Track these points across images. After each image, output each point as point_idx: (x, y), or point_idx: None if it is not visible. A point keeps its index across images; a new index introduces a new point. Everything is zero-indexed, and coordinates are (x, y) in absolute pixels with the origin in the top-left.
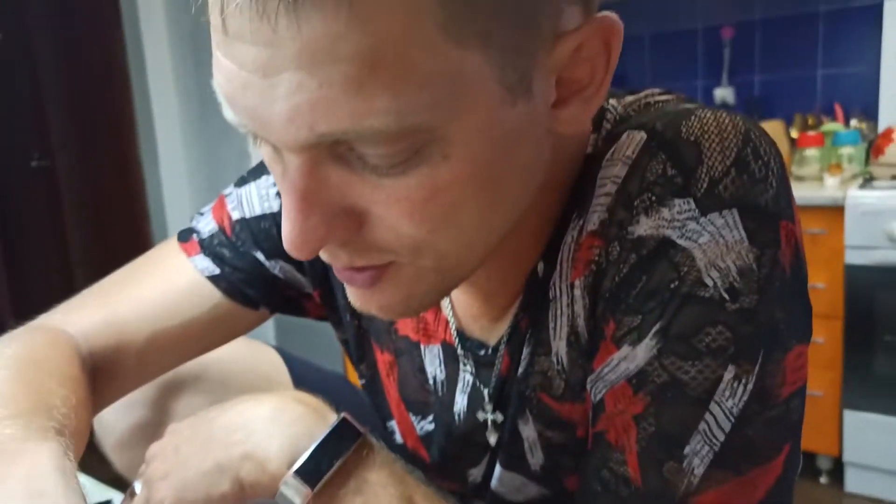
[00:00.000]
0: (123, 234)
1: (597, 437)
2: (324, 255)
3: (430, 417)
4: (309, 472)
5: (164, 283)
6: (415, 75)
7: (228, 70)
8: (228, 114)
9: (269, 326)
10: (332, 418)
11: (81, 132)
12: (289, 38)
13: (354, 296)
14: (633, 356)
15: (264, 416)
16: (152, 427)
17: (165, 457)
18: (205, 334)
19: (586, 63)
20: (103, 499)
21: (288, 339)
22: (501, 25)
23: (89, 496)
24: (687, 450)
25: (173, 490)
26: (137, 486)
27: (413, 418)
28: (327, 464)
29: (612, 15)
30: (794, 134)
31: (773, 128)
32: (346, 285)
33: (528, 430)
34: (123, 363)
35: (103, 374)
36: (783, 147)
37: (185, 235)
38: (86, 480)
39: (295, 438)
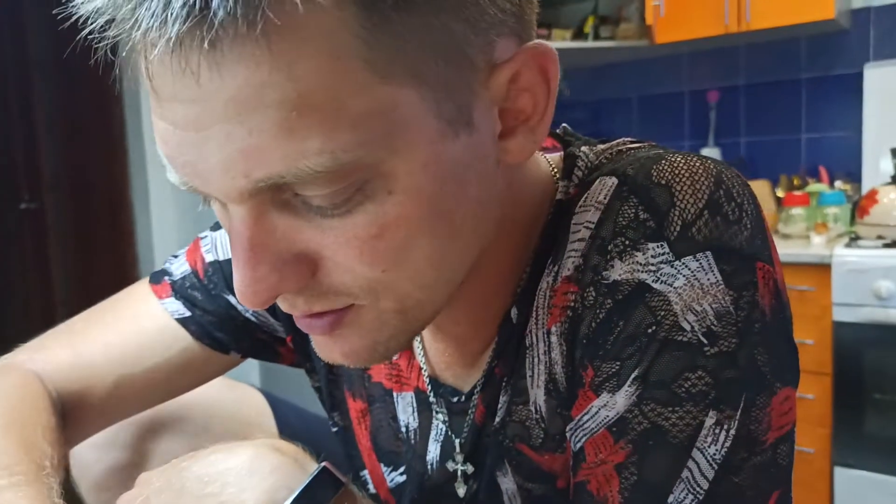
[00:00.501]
0: (110, 276)
1: (578, 488)
2: (282, 304)
3: (402, 469)
4: None
5: (132, 325)
6: (345, 115)
7: (164, 131)
8: (172, 175)
9: (253, 366)
10: (312, 467)
11: (73, 173)
12: (213, 91)
13: (318, 345)
14: (613, 403)
15: (240, 466)
16: (130, 469)
17: None
18: (173, 379)
19: (526, 93)
20: None
21: (272, 380)
22: (430, 61)
23: None
24: (671, 499)
25: None
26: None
27: (384, 469)
28: None
29: (542, 42)
30: (780, 193)
31: (759, 187)
32: (310, 335)
33: (508, 483)
34: (89, 406)
35: (69, 415)
36: (769, 206)
37: (156, 277)
38: None
39: (272, 491)
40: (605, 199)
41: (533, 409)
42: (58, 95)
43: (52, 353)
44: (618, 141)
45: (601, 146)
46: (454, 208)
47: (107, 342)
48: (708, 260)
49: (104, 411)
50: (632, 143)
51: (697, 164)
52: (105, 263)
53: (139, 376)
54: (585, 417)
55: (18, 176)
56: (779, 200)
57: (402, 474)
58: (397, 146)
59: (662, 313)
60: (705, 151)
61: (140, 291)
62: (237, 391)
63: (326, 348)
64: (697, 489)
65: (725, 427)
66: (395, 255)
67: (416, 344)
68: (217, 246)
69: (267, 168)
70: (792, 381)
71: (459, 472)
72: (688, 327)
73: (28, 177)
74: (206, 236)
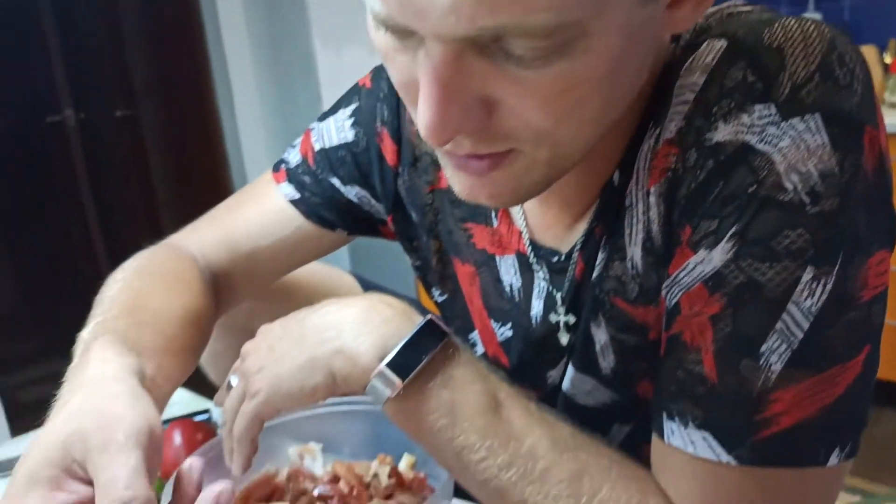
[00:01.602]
0: (204, 175)
1: (671, 340)
2: (447, 145)
3: (509, 324)
4: (398, 367)
5: (259, 207)
6: None
7: None
8: (375, 4)
9: (343, 254)
10: (419, 320)
11: (162, 83)
12: None
13: (464, 184)
14: (710, 259)
15: (354, 316)
16: (243, 341)
17: (260, 353)
18: (293, 252)
19: None
20: (201, 408)
21: (362, 265)
22: None
23: (188, 406)
24: (764, 348)
25: (269, 382)
26: (233, 380)
27: (494, 325)
28: (416, 359)
29: None
30: (888, 59)
31: (865, 52)
32: (455, 175)
33: (601, 334)
34: (234, 275)
35: (221, 284)
36: (876, 73)
37: (277, 166)
38: (184, 392)
39: (384, 337)
40: (712, 61)
41: (629, 265)
42: (142, 8)
43: (202, 234)
44: (727, 4)
45: (710, 9)
46: (626, 72)
47: (242, 221)
48: (816, 122)
49: (245, 281)
50: (742, 6)
51: (811, 28)
52: (198, 164)
53: (267, 249)
54: (682, 274)
55: (113, 86)
56: (886, 67)
57: (509, 329)
58: (605, 8)
59: (764, 173)
60: (805, 16)
61: (264, 180)
62: (333, 274)
63: (474, 190)
64: (792, 338)
65: (822, 282)
66: (571, 110)
67: (517, 209)
68: (323, 135)
69: (494, 17)
70: (888, 245)
71: (562, 323)
72: (790, 187)
73: (121, 86)
74: (314, 127)
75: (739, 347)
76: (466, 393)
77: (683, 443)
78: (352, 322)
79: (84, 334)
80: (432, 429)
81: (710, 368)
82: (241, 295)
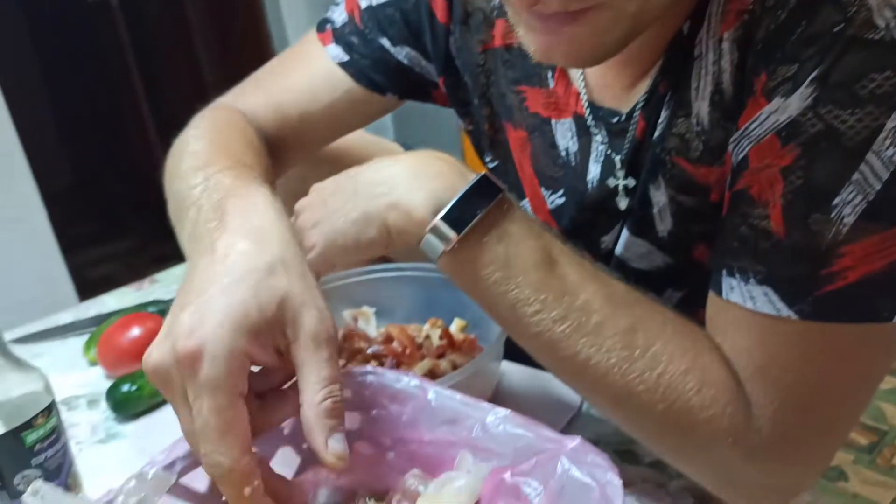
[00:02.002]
0: (248, 53)
1: (736, 196)
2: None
3: (561, 192)
4: (453, 221)
5: (306, 70)
6: None
7: None
8: None
9: (387, 123)
10: (472, 176)
11: None
12: None
13: (539, 43)
14: (785, 107)
15: (407, 171)
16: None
17: (314, 209)
18: (343, 116)
19: None
20: None
21: (406, 134)
22: None
23: None
24: (837, 200)
25: (324, 236)
26: None
27: (545, 193)
28: (470, 214)
29: None
30: None
31: None
32: (529, 34)
33: (659, 196)
34: (285, 139)
35: (271, 148)
36: None
37: (321, 25)
38: None
39: (438, 191)
40: None
41: (694, 121)
42: None
43: (249, 97)
44: None
45: None
46: None
47: (289, 85)
48: None
49: (296, 145)
50: None
51: None
52: (242, 42)
53: (317, 113)
54: (753, 125)
55: None
56: None
57: (561, 196)
58: None
59: (854, 9)
60: None
61: (309, 40)
62: (380, 144)
63: (550, 49)
64: (868, 190)
65: None
66: None
67: (576, 70)
68: None
69: None
70: None
71: (620, 187)
72: (882, 24)
73: None
74: None
75: (811, 200)
76: (521, 248)
77: (742, 298)
78: (405, 176)
79: (197, 191)
80: (486, 282)
81: (778, 223)
82: (290, 160)
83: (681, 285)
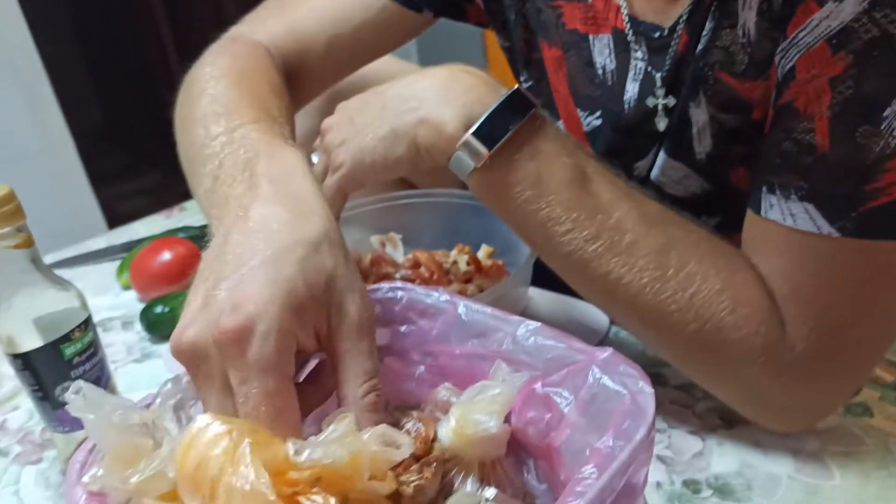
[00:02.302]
0: None
1: (780, 110)
2: None
3: (598, 113)
4: (484, 136)
5: None
6: None
7: None
8: None
9: (411, 49)
10: (504, 90)
11: None
12: None
13: None
14: (838, 12)
15: (437, 85)
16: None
17: (340, 127)
18: (375, 38)
19: None
20: None
21: (429, 61)
22: None
23: None
24: (887, 112)
25: (351, 155)
26: (314, 157)
27: (580, 114)
28: (502, 129)
29: None
30: None
31: None
32: None
33: (700, 114)
34: (308, 68)
35: (292, 80)
36: None
37: None
38: None
39: (468, 106)
40: None
41: (741, 32)
42: None
43: (268, 24)
44: None
45: None
46: None
47: (315, 8)
48: None
49: (320, 74)
50: None
51: None
52: None
53: (347, 37)
54: (802, 33)
55: None
56: None
57: (597, 118)
58: None
59: None
60: None
61: None
62: (405, 68)
63: None
64: None
65: None
66: None
67: None
68: None
69: None
70: None
71: (659, 106)
72: None
73: None
74: None
75: (859, 111)
76: (553, 165)
77: (782, 216)
78: (435, 91)
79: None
80: (517, 201)
81: (823, 136)
82: (311, 93)
83: (716, 212)
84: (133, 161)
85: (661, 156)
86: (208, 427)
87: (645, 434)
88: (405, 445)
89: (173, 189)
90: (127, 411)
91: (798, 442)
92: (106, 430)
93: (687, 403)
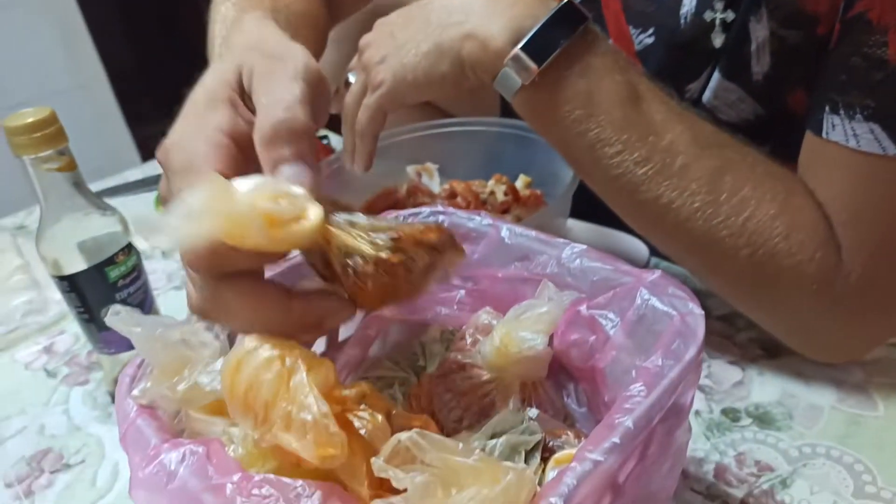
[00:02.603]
0: None
1: (850, 23)
2: None
3: (651, 30)
4: (534, 51)
5: None
6: None
7: None
8: None
9: None
10: (554, 4)
11: None
12: None
13: None
14: None
15: None
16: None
17: (380, 43)
18: None
19: None
20: (321, 134)
21: None
22: None
23: None
24: None
25: (392, 72)
26: (352, 76)
27: (633, 31)
28: (553, 44)
29: None
30: None
31: None
32: None
33: (760, 30)
34: None
35: None
36: None
37: None
38: None
39: (517, 19)
40: None
41: None
42: None
43: None
44: None
45: None
46: None
47: None
48: None
49: None
50: None
51: None
52: None
53: None
54: None
55: None
56: None
57: (650, 36)
58: None
59: None
60: None
61: None
62: None
63: None
64: None
65: None
66: None
67: None
68: None
69: None
70: None
71: (717, 21)
72: None
73: None
74: None
75: None
76: (605, 83)
77: (845, 137)
78: (482, 3)
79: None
80: (565, 121)
81: None
82: (352, 8)
83: (767, 140)
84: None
85: (716, 76)
86: (257, 350)
87: (695, 354)
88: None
89: None
90: (167, 328)
91: (842, 373)
92: (152, 344)
93: (728, 334)
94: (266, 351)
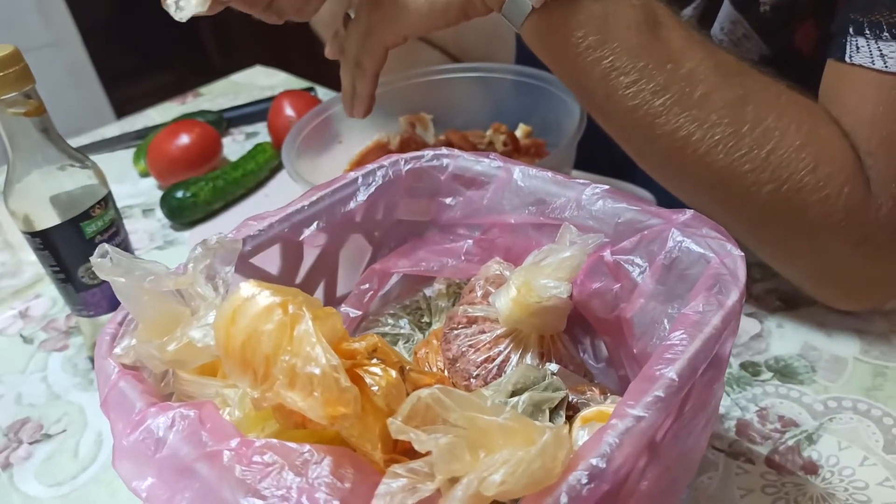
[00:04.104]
0: None
1: None
2: None
3: None
4: None
5: None
6: None
7: None
8: None
9: None
10: None
11: None
12: None
13: None
14: None
15: None
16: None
17: None
18: None
19: None
20: (307, 86)
21: None
22: None
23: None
24: None
25: (394, 2)
26: (352, 14)
27: None
28: None
29: None
30: None
31: None
32: None
33: None
34: None
35: None
36: None
37: None
38: (285, 75)
39: None
40: None
41: None
42: None
43: None
44: None
45: None
46: None
47: None
48: None
49: None
50: None
51: None
52: None
53: None
54: None
55: None
56: None
57: None
58: None
59: None
60: None
61: None
62: None
63: None
64: None
65: None
66: None
67: None
68: None
69: None
70: None
71: None
72: None
73: None
74: None
75: None
76: (621, 6)
77: (871, 58)
78: None
79: None
80: (578, 48)
81: None
82: None
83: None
84: (145, 61)
85: (725, 6)
86: (256, 297)
87: (737, 299)
88: None
89: (185, 89)
90: (159, 277)
91: (864, 323)
92: (138, 296)
93: None
94: (265, 298)
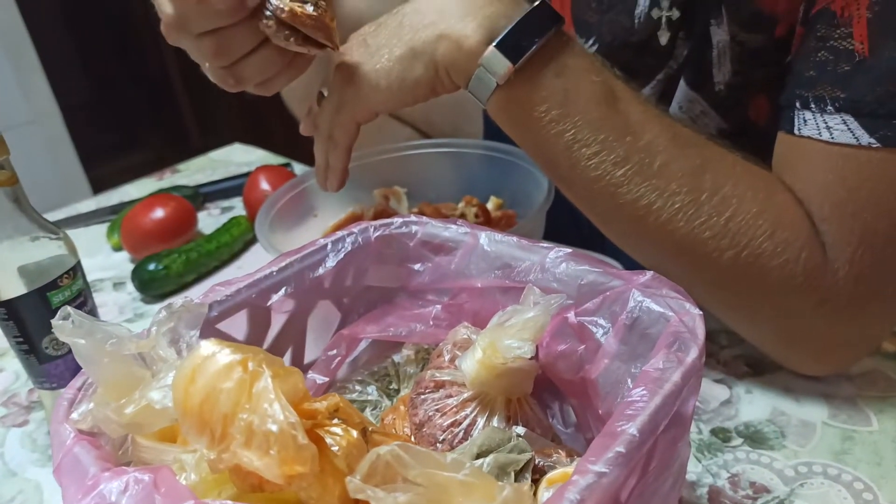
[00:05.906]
0: None
1: (815, 18)
2: None
3: (592, 39)
4: (509, 50)
5: None
6: None
7: None
8: None
9: None
10: (527, 5)
11: None
12: None
13: None
14: None
15: None
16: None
17: (352, 52)
18: None
19: None
20: (281, 163)
21: None
22: None
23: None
24: None
25: (364, 78)
26: (325, 91)
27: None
28: (528, 42)
29: None
30: None
31: None
32: None
33: (720, 34)
34: None
35: None
36: None
37: None
38: (261, 152)
39: (492, 18)
40: None
41: None
42: None
43: None
44: None
45: None
46: None
47: None
48: None
49: None
50: None
51: None
52: None
53: None
54: None
55: None
56: None
57: (592, 45)
58: None
59: None
60: None
61: None
62: None
63: None
64: None
65: None
66: None
67: None
68: None
69: None
70: None
71: (664, 19)
72: None
73: None
74: None
75: None
76: (581, 82)
77: (818, 130)
78: (455, 4)
79: None
80: (542, 121)
81: (862, 40)
82: None
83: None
84: (124, 139)
85: (682, 87)
86: (216, 355)
87: (697, 356)
88: None
89: (163, 166)
90: (121, 340)
91: (831, 387)
92: (99, 358)
93: (711, 352)
94: (226, 356)
